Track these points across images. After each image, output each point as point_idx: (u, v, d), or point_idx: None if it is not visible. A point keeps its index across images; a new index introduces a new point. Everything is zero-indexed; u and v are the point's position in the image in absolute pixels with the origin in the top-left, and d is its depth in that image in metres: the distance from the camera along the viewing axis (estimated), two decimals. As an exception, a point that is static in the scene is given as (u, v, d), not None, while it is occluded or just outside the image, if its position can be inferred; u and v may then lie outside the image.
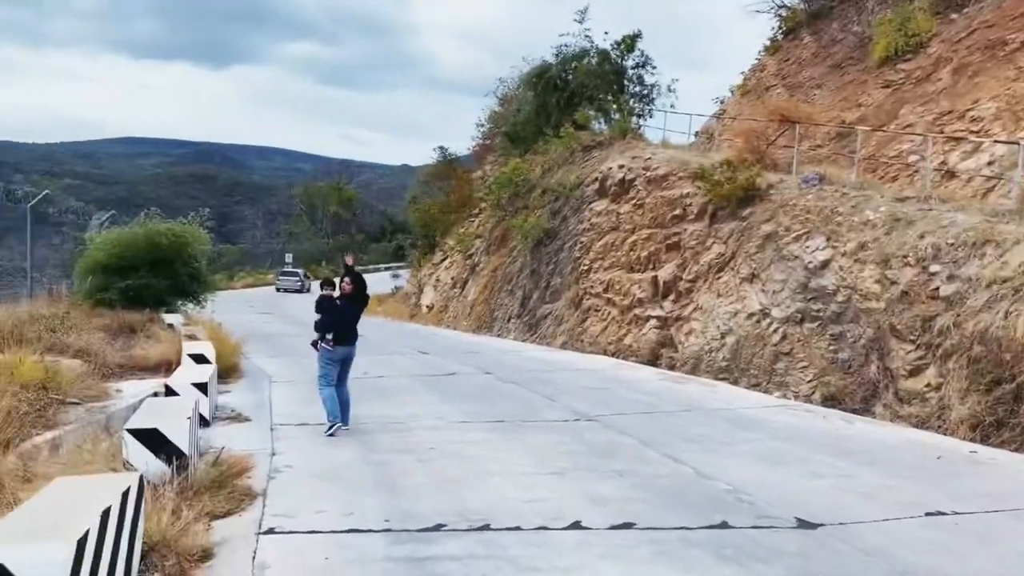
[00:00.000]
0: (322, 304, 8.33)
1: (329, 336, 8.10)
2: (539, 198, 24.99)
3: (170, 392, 7.83)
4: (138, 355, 11.69)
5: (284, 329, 20.98)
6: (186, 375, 8.51)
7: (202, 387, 7.86)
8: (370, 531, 4.87)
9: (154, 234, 16.99)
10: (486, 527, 4.98)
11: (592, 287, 19.42)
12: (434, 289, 32.99)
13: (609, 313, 18.48)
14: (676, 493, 5.93)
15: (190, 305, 18.53)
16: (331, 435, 7.69)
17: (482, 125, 44.27)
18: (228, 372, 11.86)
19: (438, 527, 4.96)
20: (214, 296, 19.16)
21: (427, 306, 31.88)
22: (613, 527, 5.07)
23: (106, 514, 3.42)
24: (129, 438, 5.25)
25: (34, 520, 3.29)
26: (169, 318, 15.69)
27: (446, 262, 33.77)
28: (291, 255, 63.76)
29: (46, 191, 16.39)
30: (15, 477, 5.94)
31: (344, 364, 8.30)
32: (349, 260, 9.19)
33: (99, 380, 10.33)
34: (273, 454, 6.73)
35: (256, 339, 17.78)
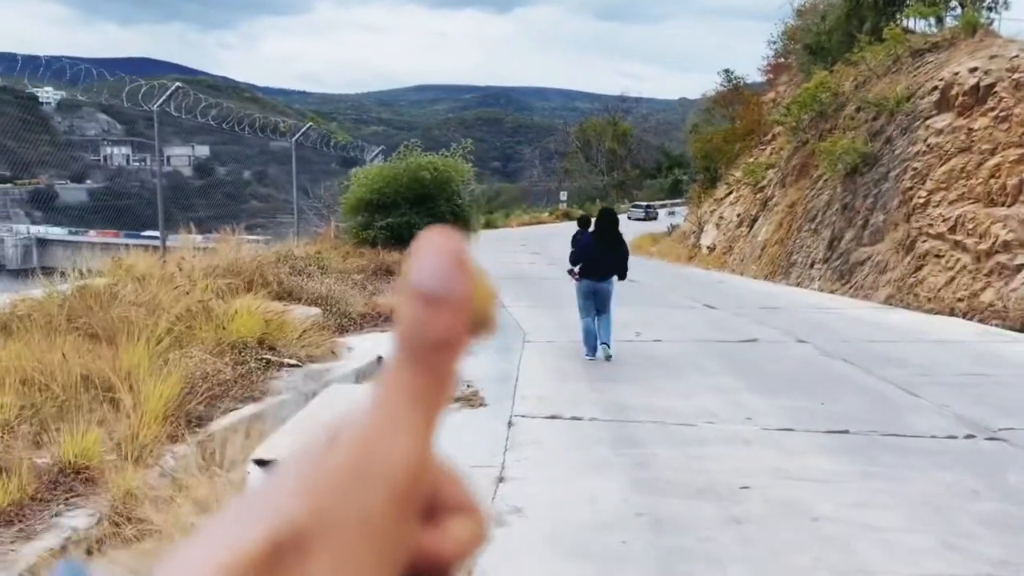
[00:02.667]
0: (574, 239, 9.38)
1: (576, 268, 8.76)
2: (852, 117, 20.63)
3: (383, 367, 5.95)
4: (381, 303, 10.23)
5: (548, 272, 19.11)
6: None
7: (423, 360, 5.89)
8: None
9: (416, 169, 15.75)
10: None
11: (931, 225, 15.11)
12: (716, 228, 29.54)
13: (957, 260, 14.18)
14: None
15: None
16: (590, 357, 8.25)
17: (774, 42, 39.21)
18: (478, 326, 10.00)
19: None
20: (477, 235, 17.73)
21: (708, 247, 28.61)
22: None
23: None
24: (258, 474, 3.24)
25: None
26: (427, 259, 14.38)
27: (731, 197, 30.07)
28: (565, 193, 62.95)
29: (309, 124, 15.68)
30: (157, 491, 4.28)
31: (596, 297, 8.53)
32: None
33: (332, 334, 8.93)
34: (500, 479, 4.47)
35: (518, 283, 16.05)
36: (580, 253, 8.76)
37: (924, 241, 15.17)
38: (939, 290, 14.13)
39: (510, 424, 5.56)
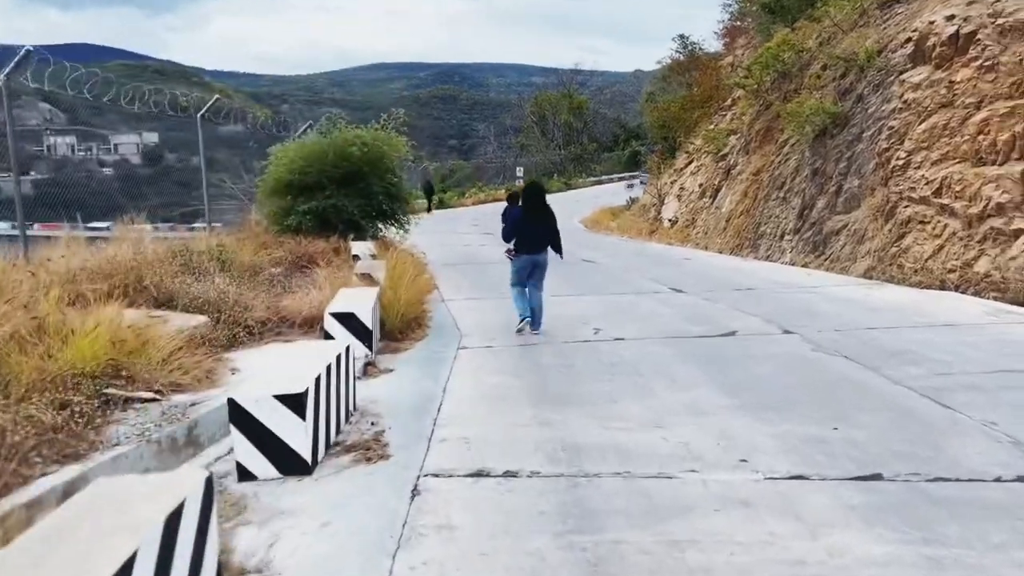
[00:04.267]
0: (504, 215, 9.69)
1: (511, 244, 8.60)
2: (818, 76, 19.33)
3: (236, 415, 4.23)
4: (287, 306, 8.50)
5: (499, 255, 17.50)
6: (287, 366, 4.92)
7: (293, 402, 4.18)
8: None
9: (342, 144, 13.92)
10: None
11: (913, 189, 13.77)
12: (678, 200, 28.18)
13: (944, 226, 12.86)
14: None
15: (392, 229, 15.47)
16: (520, 331, 8.34)
17: (730, 5, 37.89)
18: (406, 328, 8.34)
19: None
20: (417, 218, 15.95)
21: (669, 220, 27.22)
22: None
23: None
24: None
25: None
26: (357, 247, 12.63)
27: (691, 166, 28.73)
28: (521, 168, 61.17)
29: (216, 96, 13.76)
30: None
31: (535, 271, 8.53)
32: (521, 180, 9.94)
33: (216, 350, 7.20)
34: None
35: (463, 269, 14.43)
36: (511, 228, 8.69)
37: (906, 207, 13.84)
38: (926, 260, 12.81)
39: (415, 493, 3.90)
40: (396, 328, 8.07)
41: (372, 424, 5.09)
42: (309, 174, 13.60)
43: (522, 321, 8.36)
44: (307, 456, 4.21)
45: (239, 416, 4.17)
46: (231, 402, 4.18)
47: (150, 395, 5.74)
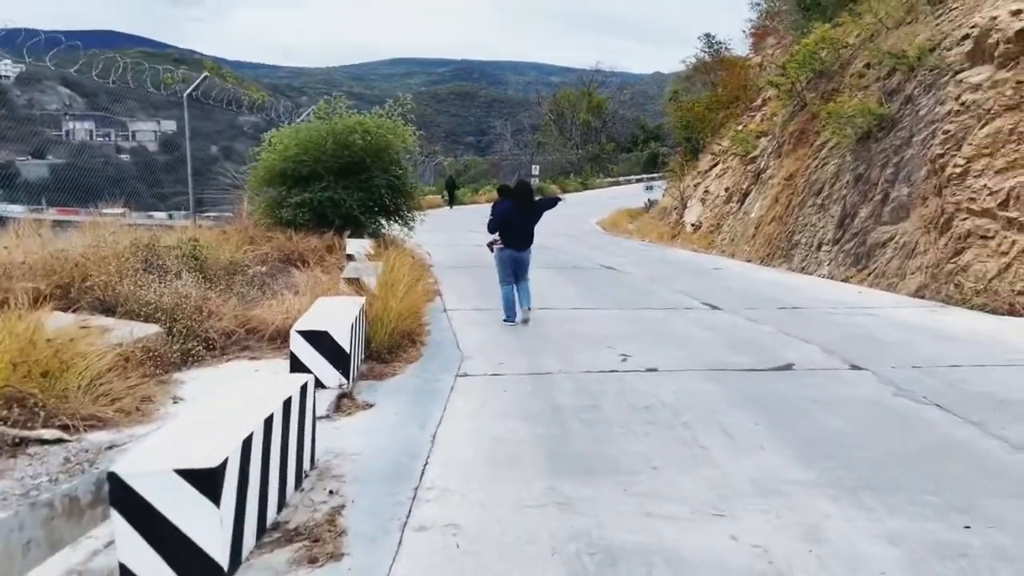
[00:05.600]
0: (494, 208, 9.66)
1: (496, 236, 8.88)
2: (860, 75, 17.94)
3: (121, 495, 2.92)
4: (258, 315, 7.20)
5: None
6: (222, 409, 3.61)
7: (204, 482, 2.87)
8: None
9: (343, 131, 12.62)
10: None
11: (973, 200, 12.35)
12: (701, 203, 26.75)
13: (1012, 242, 11.46)
14: None
15: (396, 226, 14.15)
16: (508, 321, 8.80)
17: (758, 3, 36.36)
18: (397, 346, 7.01)
19: None
20: (422, 215, 14.61)
21: (692, 224, 25.81)
22: None
23: None
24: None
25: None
26: (352, 245, 11.33)
27: (717, 169, 27.31)
28: (537, 166, 59.77)
29: (204, 74, 12.49)
30: None
31: (517, 266, 8.89)
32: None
33: (161, 370, 5.90)
34: None
35: (472, 271, 13.11)
36: (498, 220, 8.84)
37: (964, 219, 12.40)
38: (991, 280, 11.38)
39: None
40: (384, 346, 6.75)
41: (330, 493, 3.77)
42: (304, 163, 12.32)
43: (506, 321, 8.75)
44: (221, 559, 2.90)
45: (125, 498, 2.86)
46: (112, 478, 2.87)
47: (54, 434, 4.46)
